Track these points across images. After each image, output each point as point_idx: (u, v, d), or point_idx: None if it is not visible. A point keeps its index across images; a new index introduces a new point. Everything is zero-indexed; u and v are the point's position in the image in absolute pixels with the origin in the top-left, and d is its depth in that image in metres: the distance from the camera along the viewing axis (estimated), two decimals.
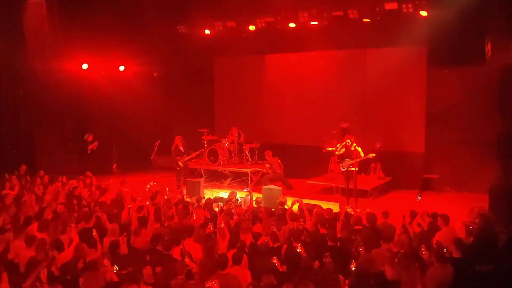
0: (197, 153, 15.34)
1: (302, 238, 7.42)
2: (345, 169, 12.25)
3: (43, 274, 5.98)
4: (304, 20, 14.32)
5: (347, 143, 12.26)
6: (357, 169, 12.22)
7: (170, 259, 6.67)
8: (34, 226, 8.14)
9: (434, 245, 7.01)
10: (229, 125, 16.43)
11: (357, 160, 12.04)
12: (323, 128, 14.80)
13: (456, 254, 6.54)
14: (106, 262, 6.33)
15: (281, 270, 6.53)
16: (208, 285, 5.60)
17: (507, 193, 9.20)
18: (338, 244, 7.37)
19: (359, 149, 12.13)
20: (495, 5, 9.09)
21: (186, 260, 6.53)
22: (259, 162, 15.90)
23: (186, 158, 14.87)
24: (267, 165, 14.16)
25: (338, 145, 12.78)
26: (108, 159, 17.42)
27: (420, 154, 14.10)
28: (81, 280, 5.73)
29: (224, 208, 9.90)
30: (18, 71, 14.76)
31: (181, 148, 14.94)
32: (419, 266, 6.27)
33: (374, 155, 12.42)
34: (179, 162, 14.75)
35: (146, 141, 16.60)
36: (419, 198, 9.55)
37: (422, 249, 6.75)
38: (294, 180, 15.07)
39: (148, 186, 12.73)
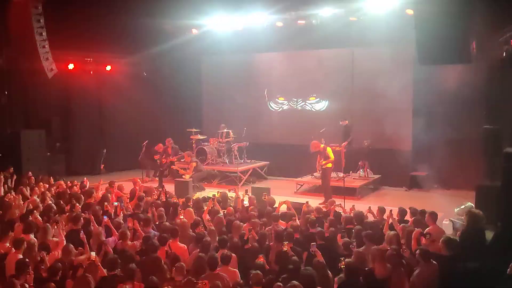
0: (177, 157, 15.32)
1: (292, 237, 7.43)
2: (319, 169, 12.78)
3: (30, 277, 5.91)
4: (291, 19, 14.34)
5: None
6: (330, 166, 12.44)
7: (159, 260, 6.63)
8: (20, 228, 8.04)
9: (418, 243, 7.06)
10: (218, 125, 16.43)
11: (329, 160, 12.32)
12: (311, 127, 14.82)
13: (443, 252, 6.58)
14: (96, 262, 6.27)
15: (267, 268, 6.54)
16: (199, 285, 5.59)
17: (494, 190, 9.28)
18: (325, 243, 7.39)
19: (329, 149, 12.46)
20: (481, 3, 9.16)
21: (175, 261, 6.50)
22: (248, 161, 15.92)
23: (169, 160, 14.85)
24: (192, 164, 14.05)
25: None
26: (95, 159, 17.29)
27: (408, 152, 14.16)
28: (70, 281, 5.69)
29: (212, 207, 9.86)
30: (3, 71, 14.61)
31: (169, 150, 14.99)
32: (406, 265, 6.31)
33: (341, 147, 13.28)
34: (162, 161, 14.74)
35: (134, 141, 16.54)
36: None
37: (403, 247, 6.78)
38: (283, 179, 15.11)
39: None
